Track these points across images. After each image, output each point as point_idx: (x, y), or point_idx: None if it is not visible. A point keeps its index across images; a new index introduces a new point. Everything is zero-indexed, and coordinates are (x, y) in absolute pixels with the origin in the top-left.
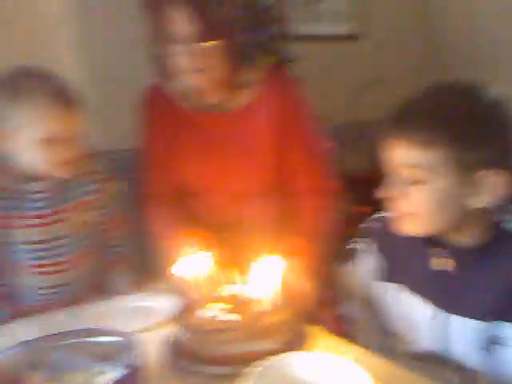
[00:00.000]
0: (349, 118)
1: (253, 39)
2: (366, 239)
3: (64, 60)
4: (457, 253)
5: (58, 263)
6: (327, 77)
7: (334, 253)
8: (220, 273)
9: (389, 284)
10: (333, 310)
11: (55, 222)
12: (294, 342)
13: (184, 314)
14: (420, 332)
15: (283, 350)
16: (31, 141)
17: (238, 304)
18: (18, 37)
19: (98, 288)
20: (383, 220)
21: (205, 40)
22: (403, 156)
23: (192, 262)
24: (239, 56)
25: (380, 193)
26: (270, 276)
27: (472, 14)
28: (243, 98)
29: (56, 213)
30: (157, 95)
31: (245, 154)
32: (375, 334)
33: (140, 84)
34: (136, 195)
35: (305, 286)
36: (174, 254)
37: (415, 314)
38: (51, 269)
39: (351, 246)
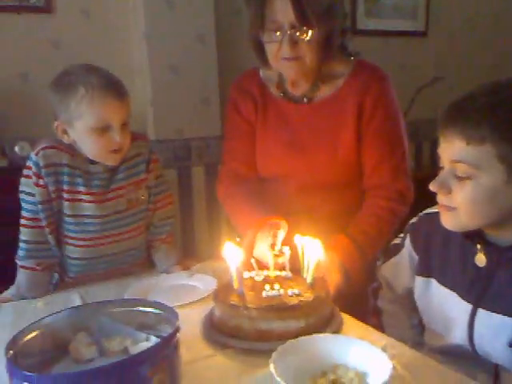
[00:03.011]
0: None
1: (343, 30)
2: (404, 235)
3: (134, 52)
4: (493, 250)
5: (112, 235)
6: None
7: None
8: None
9: (422, 278)
10: (370, 303)
11: (111, 199)
12: (325, 324)
13: (222, 292)
14: (450, 325)
15: (314, 331)
16: (87, 129)
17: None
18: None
19: (145, 264)
20: (426, 216)
21: (302, 28)
22: (451, 151)
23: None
24: (332, 46)
25: (431, 187)
26: (308, 259)
27: None
28: (328, 90)
29: (111, 191)
30: (250, 80)
31: (323, 147)
32: (407, 327)
33: (201, 78)
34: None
35: (333, 278)
36: (241, 232)
37: (446, 308)
38: (105, 240)
39: (395, 241)
